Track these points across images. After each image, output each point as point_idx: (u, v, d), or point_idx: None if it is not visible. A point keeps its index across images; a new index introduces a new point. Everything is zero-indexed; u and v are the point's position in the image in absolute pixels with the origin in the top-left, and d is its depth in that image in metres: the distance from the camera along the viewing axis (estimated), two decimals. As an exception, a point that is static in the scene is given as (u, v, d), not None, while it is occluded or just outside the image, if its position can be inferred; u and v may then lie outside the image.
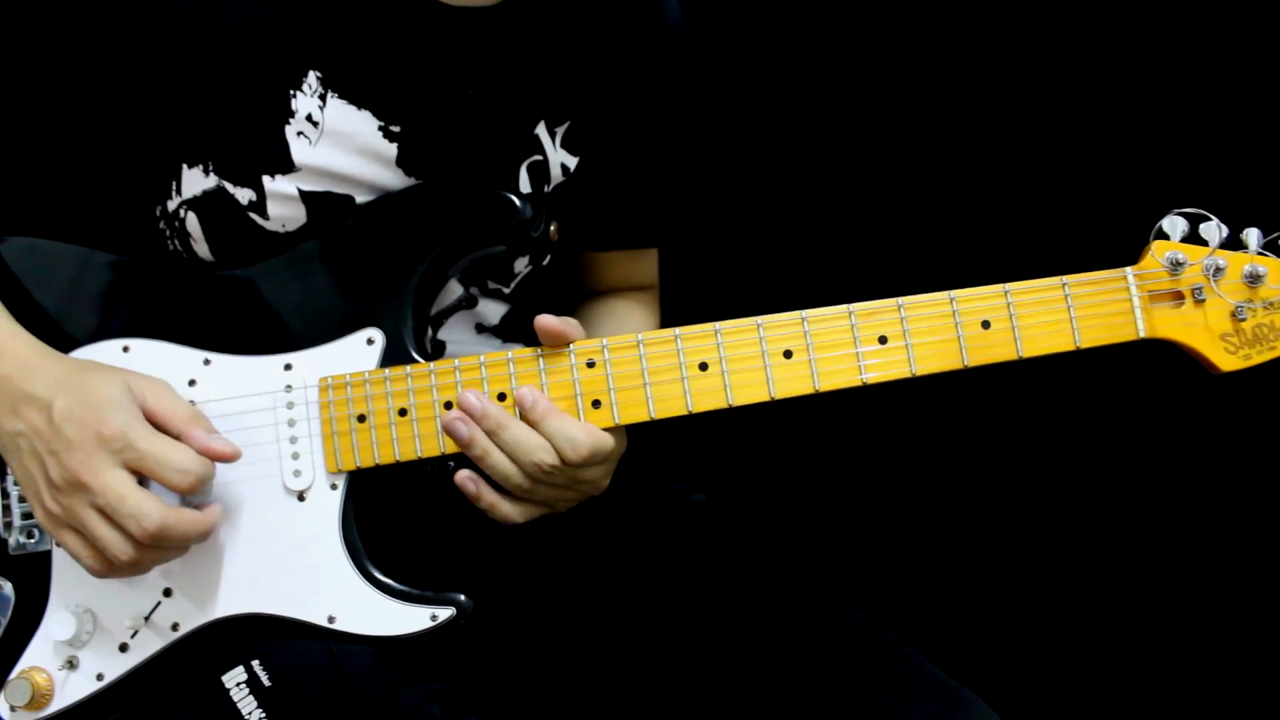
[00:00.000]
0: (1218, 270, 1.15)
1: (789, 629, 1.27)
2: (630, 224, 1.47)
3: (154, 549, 1.09)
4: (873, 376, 1.15)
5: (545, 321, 1.16)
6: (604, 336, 1.17)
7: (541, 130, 1.32)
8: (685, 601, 1.31)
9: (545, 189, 1.34)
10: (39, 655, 1.17)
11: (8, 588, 1.19)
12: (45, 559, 1.19)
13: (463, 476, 1.17)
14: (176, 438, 1.11)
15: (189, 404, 1.16)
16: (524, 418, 1.15)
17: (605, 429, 1.16)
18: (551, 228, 1.27)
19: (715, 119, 1.90)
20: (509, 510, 1.18)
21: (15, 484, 1.20)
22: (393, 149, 1.25)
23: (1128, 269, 1.17)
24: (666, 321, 1.53)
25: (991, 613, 2.05)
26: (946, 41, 1.93)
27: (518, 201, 1.22)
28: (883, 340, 1.15)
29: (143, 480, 1.10)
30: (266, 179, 1.22)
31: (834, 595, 1.31)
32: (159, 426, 1.11)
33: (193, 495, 1.12)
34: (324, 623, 1.15)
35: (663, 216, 1.49)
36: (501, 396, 1.16)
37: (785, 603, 1.30)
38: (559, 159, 1.34)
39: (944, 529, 2.07)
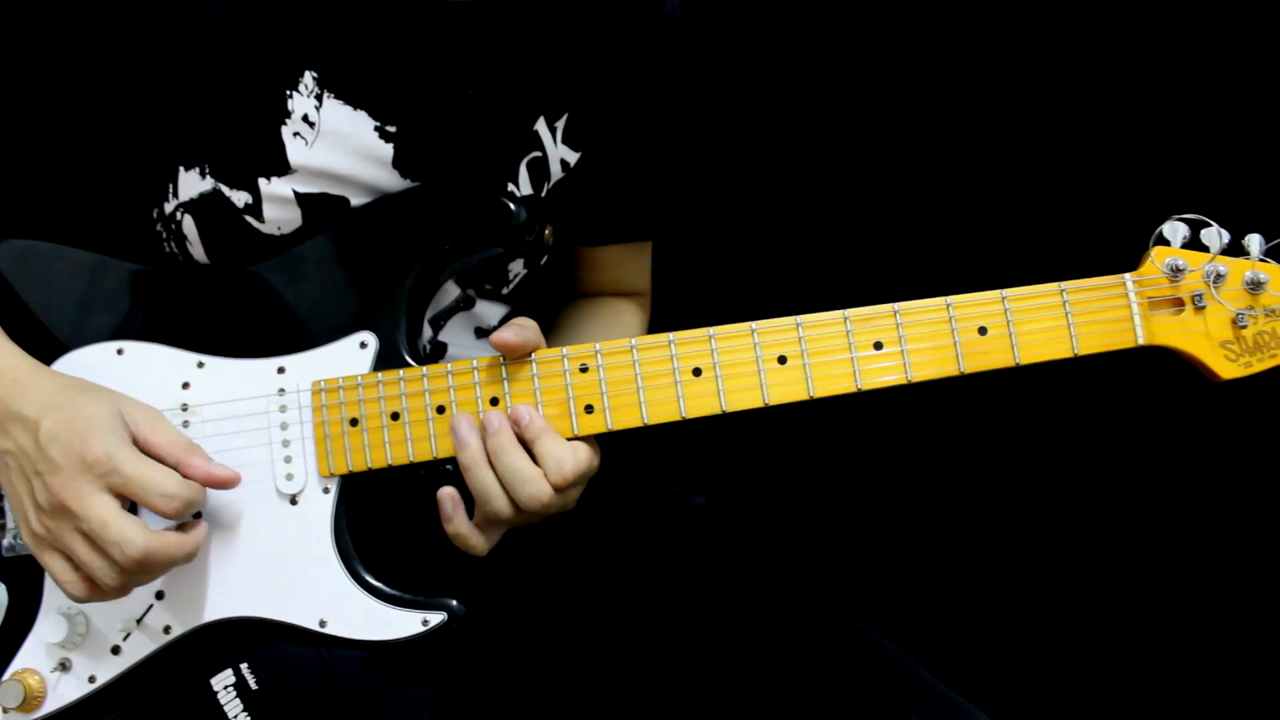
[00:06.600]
0: (1218, 277, 1.14)
1: (789, 637, 1.26)
2: (626, 216, 1.46)
3: (138, 573, 1.09)
4: (868, 383, 1.14)
5: (501, 337, 1.15)
6: (593, 337, 1.16)
7: (541, 126, 1.32)
8: (683, 607, 1.30)
9: (546, 185, 1.34)
10: (31, 657, 1.17)
11: (1, 590, 1.19)
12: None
13: (445, 494, 1.15)
14: (174, 467, 1.11)
15: (183, 434, 1.15)
16: (518, 435, 1.13)
17: (586, 446, 1.15)
18: (546, 231, 1.26)
19: (713, 119, 1.89)
20: (477, 543, 1.16)
21: (7, 489, 1.20)
22: (389, 150, 1.24)
23: (1127, 275, 1.15)
24: (661, 325, 1.51)
25: (994, 624, 2.04)
26: (946, 45, 1.93)
27: (512, 205, 1.22)
28: (878, 346, 1.14)
29: (131, 505, 1.09)
30: (262, 181, 1.22)
31: (835, 603, 1.30)
32: (154, 456, 1.11)
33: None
34: (315, 626, 1.15)
35: (658, 207, 1.48)
36: (494, 400, 1.16)
37: (785, 611, 1.29)
38: (559, 155, 1.34)
39: (945, 536, 2.06)
